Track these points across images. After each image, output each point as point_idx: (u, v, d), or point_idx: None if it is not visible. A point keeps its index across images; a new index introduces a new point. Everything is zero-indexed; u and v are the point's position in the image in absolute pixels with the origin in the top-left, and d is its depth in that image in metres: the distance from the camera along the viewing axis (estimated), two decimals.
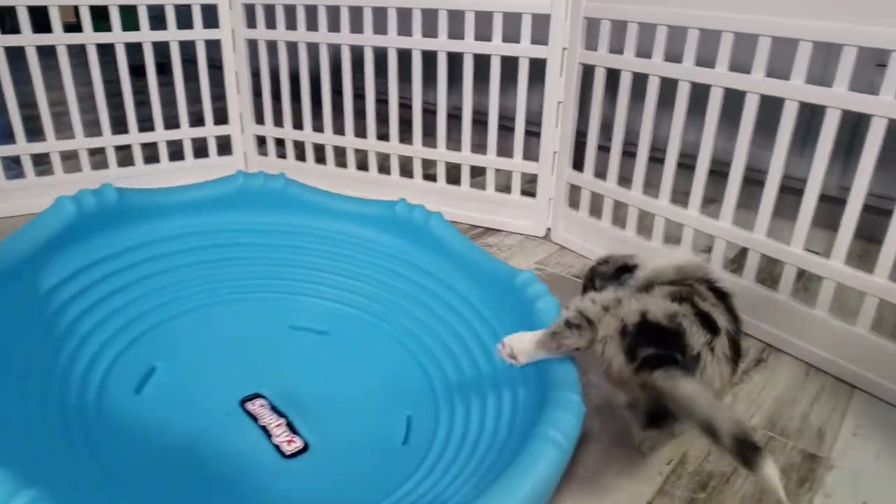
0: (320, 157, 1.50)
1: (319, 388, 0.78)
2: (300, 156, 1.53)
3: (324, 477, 0.65)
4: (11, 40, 1.28)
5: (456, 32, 1.24)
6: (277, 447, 0.67)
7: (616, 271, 0.82)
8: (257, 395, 0.75)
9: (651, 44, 1.02)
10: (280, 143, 1.54)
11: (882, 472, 0.73)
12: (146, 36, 1.40)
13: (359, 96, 1.39)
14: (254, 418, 0.71)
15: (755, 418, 0.81)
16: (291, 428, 0.70)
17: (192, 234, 0.89)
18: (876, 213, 1.28)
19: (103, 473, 0.60)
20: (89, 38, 1.34)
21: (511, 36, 1.20)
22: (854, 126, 1.25)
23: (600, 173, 1.19)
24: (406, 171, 1.42)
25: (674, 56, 1.01)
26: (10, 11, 1.26)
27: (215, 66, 1.49)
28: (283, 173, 0.95)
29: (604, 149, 1.15)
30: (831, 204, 1.33)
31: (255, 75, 1.50)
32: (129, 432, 0.66)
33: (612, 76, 1.11)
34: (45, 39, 1.31)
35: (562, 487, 0.69)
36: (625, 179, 1.14)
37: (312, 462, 0.67)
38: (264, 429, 0.69)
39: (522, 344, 0.66)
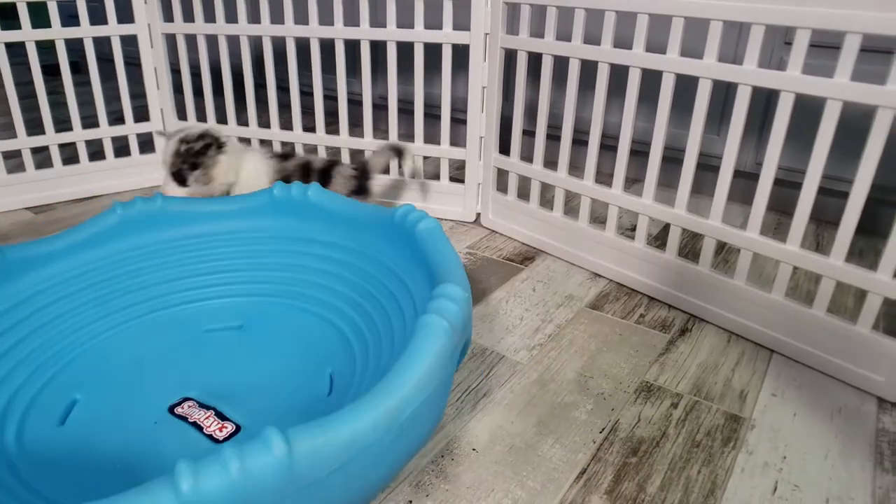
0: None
1: (244, 375, 0.78)
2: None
3: None
4: None
5: (378, 21, 1.23)
6: (210, 436, 0.66)
7: (204, 145, 1.00)
8: (185, 399, 0.73)
9: (571, 27, 1.04)
10: None
11: (798, 427, 0.77)
12: (58, 33, 1.34)
13: (282, 88, 1.37)
14: (184, 419, 0.69)
15: (681, 384, 0.84)
16: (221, 416, 0.69)
17: (83, 274, 0.86)
18: (789, 187, 1.35)
19: (41, 500, 0.58)
20: None
21: (433, 23, 1.21)
22: (767, 104, 1.30)
23: (526, 157, 1.20)
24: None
25: (593, 38, 1.03)
26: None
27: (134, 63, 1.44)
28: (159, 192, 0.95)
29: (529, 133, 1.16)
30: (748, 180, 1.39)
31: (176, 71, 1.46)
32: (59, 461, 0.65)
33: (535, 60, 1.12)
34: None
35: (497, 460, 0.70)
36: (550, 162, 1.16)
37: (246, 439, 0.66)
38: (195, 424, 0.68)
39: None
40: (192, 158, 1.00)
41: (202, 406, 0.71)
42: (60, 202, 1.43)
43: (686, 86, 0.94)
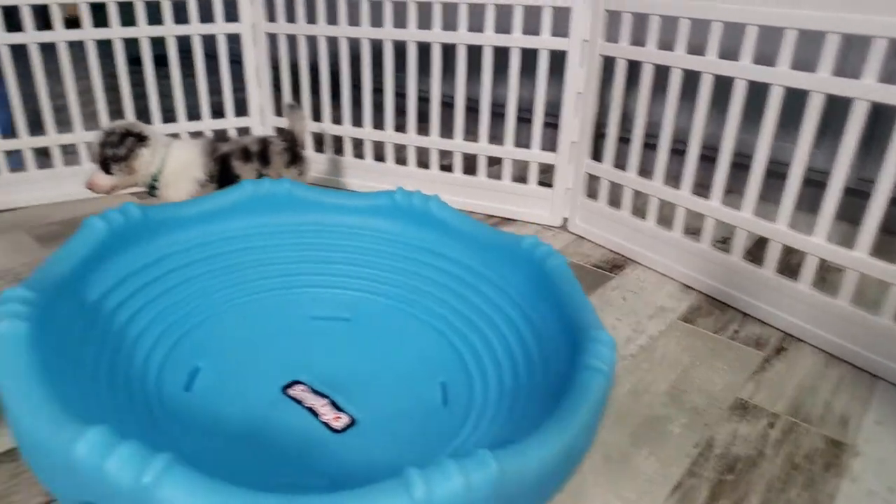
0: (338, 148, 1.52)
1: (352, 368, 0.81)
2: (318, 147, 1.54)
3: (375, 446, 0.69)
4: (15, 38, 1.30)
5: (474, 25, 1.25)
6: (326, 424, 0.70)
7: (121, 138, 1.07)
8: (296, 382, 0.77)
9: (673, 35, 1.03)
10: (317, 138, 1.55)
11: None
12: (169, 30, 1.41)
13: (377, 90, 1.40)
14: (298, 402, 0.73)
15: (778, 404, 0.82)
16: (336, 406, 0.73)
17: (210, 242, 0.91)
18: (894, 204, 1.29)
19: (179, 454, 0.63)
20: (89, 34, 1.35)
21: (529, 28, 1.22)
22: (873, 119, 1.26)
23: (619, 164, 1.20)
24: (422, 162, 1.43)
25: (696, 47, 1.02)
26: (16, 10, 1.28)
27: (232, 60, 1.51)
28: (287, 178, 0.98)
29: (621, 140, 1.16)
30: (849, 196, 1.34)
31: (274, 68, 1.52)
32: (185, 423, 0.69)
33: (633, 67, 1.12)
34: (45, 37, 1.32)
35: (593, 469, 0.71)
36: (643, 171, 1.15)
37: (362, 434, 0.70)
38: (311, 409, 0.72)
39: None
40: (112, 150, 1.06)
41: (315, 392, 0.74)
42: None
43: (790, 96, 0.92)
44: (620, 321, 1.00)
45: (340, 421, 0.71)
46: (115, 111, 1.42)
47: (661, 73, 1.08)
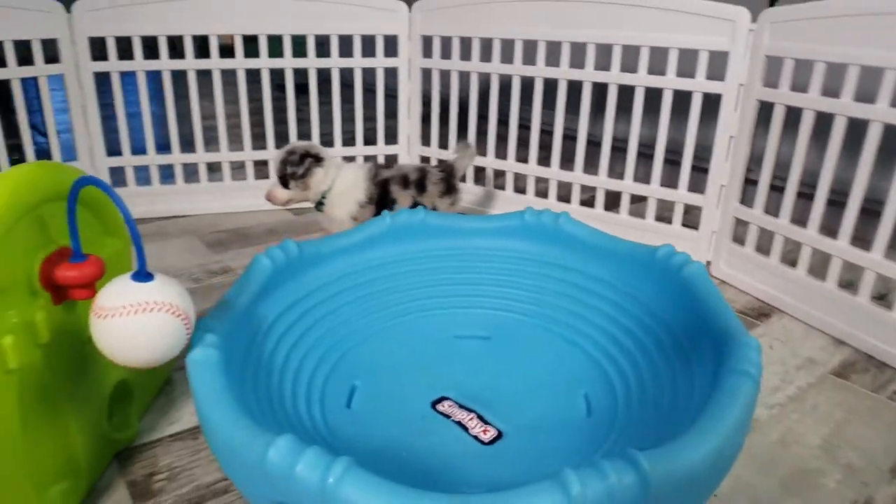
0: (479, 179, 1.58)
1: (495, 384, 0.84)
2: (469, 178, 1.61)
3: (523, 456, 0.72)
4: (175, 65, 1.47)
5: (625, 65, 1.28)
6: (476, 437, 0.73)
7: (301, 157, 1.18)
8: (444, 398, 0.81)
9: (839, 81, 1.01)
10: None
11: None
12: (334, 62, 1.54)
13: (523, 126, 1.46)
14: (447, 416, 0.77)
15: None
16: (482, 420, 0.76)
17: (357, 272, 0.97)
18: None
19: None
20: (241, 63, 1.50)
21: (680, 70, 1.23)
22: None
23: (768, 210, 1.17)
24: (563, 196, 1.46)
25: (861, 94, 0.99)
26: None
27: (370, 90, 1.61)
28: (423, 207, 1.04)
29: (771, 187, 1.14)
30: None
31: (424, 102, 1.61)
32: (351, 440, 0.75)
33: (789, 113, 1.10)
34: (202, 64, 1.48)
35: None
36: (796, 220, 1.12)
37: (509, 445, 0.74)
38: (460, 423, 0.76)
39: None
40: (292, 168, 1.17)
41: (462, 407, 0.79)
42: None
43: None
44: (766, 369, 0.97)
45: (488, 434, 0.74)
46: (281, 133, 1.56)
47: (821, 119, 1.06)
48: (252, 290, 0.77)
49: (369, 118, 1.62)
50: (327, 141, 1.60)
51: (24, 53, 1.35)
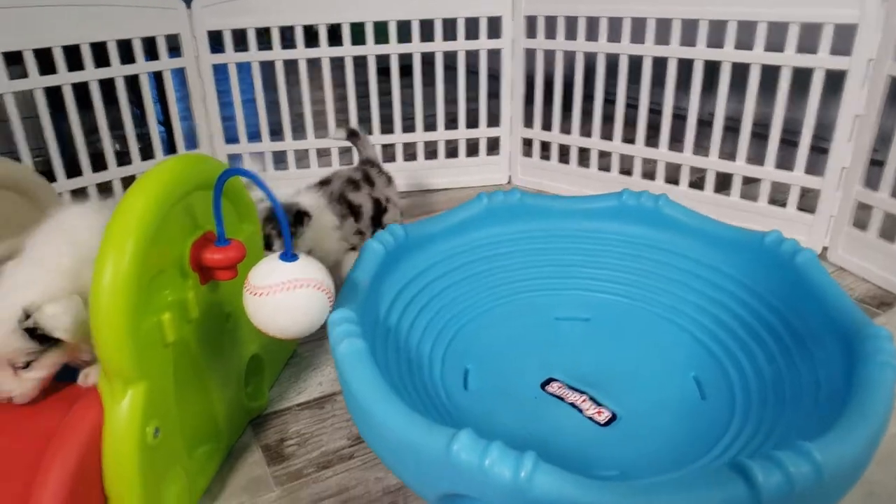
0: (584, 160, 1.57)
1: (600, 365, 0.85)
2: (563, 158, 1.61)
3: (643, 438, 0.74)
4: (287, 54, 1.52)
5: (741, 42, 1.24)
6: (591, 419, 0.75)
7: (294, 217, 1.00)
8: (552, 379, 0.83)
9: None
10: (543, 145, 1.63)
11: None
12: (438, 46, 1.56)
13: (631, 106, 1.43)
14: (559, 398, 0.79)
15: None
16: (595, 401, 0.78)
17: (458, 254, 0.98)
18: None
19: None
20: (349, 51, 1.55)
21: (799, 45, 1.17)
22: None
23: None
24: (671, 178, 1.44)
25: None
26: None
27: (473, 72, 1.62)
28: (517, 188, 1.04)
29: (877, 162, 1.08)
30: None
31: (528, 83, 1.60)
32: (473, 422, 0.76)
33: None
34: (312, 53, 1.53)
35: (858, 501, 0.68)
36: None
37: (626, 427, 0.75)
38: (573, 405, 0.77)
39: None
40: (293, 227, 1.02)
41: (573, 388, 0.80)
42: (417, 191, 1.67)
43: None
44: None
45: (603, 415, 0.76)
46: (386, 117, 1.61)
47: None
48: (369, 275, 0.81)
49: (471, 99, 1.63)
50: (430, 124, 1.63)
51: (126, 49, 1.42)
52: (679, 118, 1.39)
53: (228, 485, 0.76)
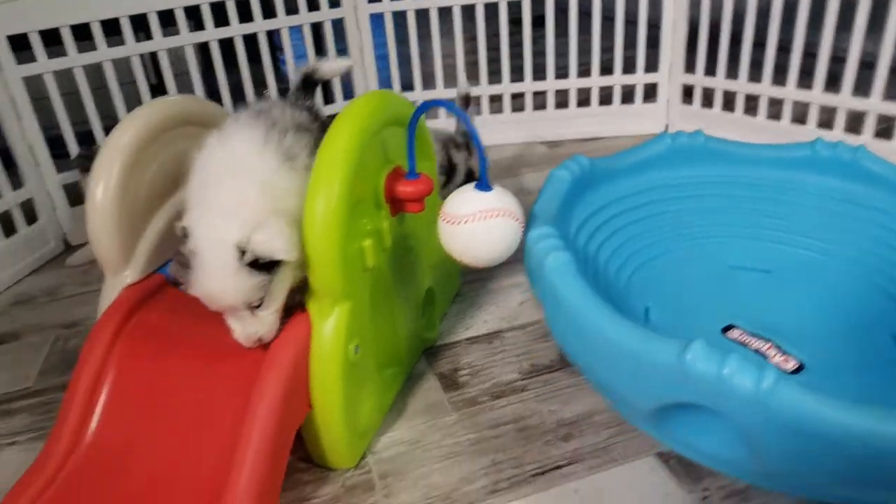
0: (749, 109, 1.48)
1: (782, 316, 0.82)
2: (728, 106, 1.52)
3: (836, 389, 0.69)
4: (441, 2, 1.51)
5: None
6: (778, 366, 0.73)
7: None
8: (732, 326, 0.81)
9: None
10: (706, 93, 1.55)
11: None
12: None
13: (809, 54, 1.33)
14: (742, 344, 0.77)
15: None
16: (780, 349, 0.75)
17: (640, 192, 0.97)
18: None
19: None
20: None
21: None
22: None
23: None
24: (852, 128, 1.33)
25: None
26: None
27: (609, 18, 1.55)
28: (701, 130, 1.00)
29: None
30: None
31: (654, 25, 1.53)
32: None
33: None
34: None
35: None
36: None
37: (813, 379, 0.72)
38: (757, 352, 0.76)
39: None
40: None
41: (756, 336, 0.78)
42: (567, 140, 1.65)
43: None
44: None
45: (790, 363, 0.73)
46: (516, 67, 1.59)
47: None
48: (556, 202, 0.81)
49: (606, 49, 1.58)
50: (585, 70, 1.59)
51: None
52: (867, 65, 1.28)
53: (409, 406, 0.81)
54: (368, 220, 0.71)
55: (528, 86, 1.60)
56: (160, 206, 0.82)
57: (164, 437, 0.67)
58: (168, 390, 0.69)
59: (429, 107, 0.70)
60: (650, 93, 1.62)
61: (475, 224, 0.66)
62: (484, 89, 1.61)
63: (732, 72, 1.48)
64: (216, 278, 0.62)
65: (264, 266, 0.63)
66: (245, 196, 0.64)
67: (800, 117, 1.40)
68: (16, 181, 1.22)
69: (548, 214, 0.77)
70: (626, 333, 0.56)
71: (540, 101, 1.64)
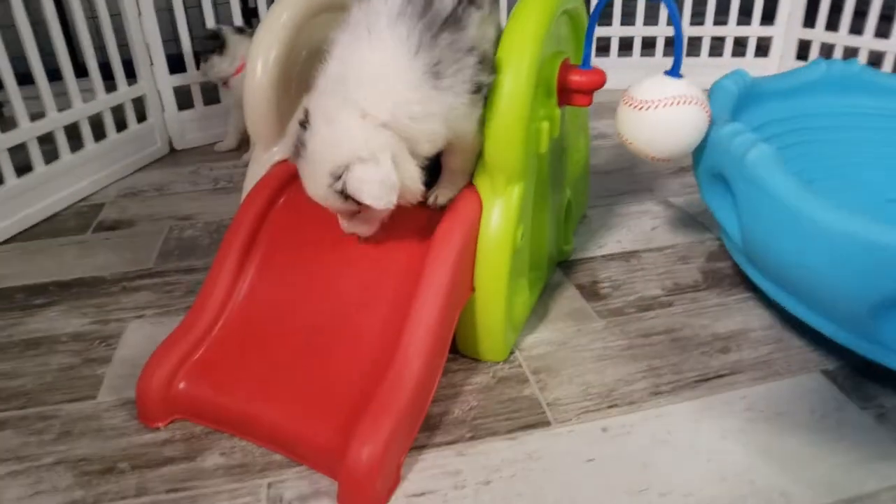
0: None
1: None
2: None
3: None
4: None
5: None
6: None
7: None
8: None
9: None
10: (823, 49, 1.49)
11: None
12: None
13: None
14: None
15: None
16: None
17: (794, 117, 0.94)
18: None
19: None
20: None
21: None
22: None
23: None
24: None
25: None
26: None
27: None
28: (855, 60, 0.97)
29: None
30: None
31: None
32: None
33: None
34: None
35: None
36: None
37: None
38: None
39: None
40: None
41: None
42: None
43: None
44: None
45: None
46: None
47: None
48: (727, 109, 0.77)
49: None
50: (699, 21, 1.53)
51: None
52: None
53: (551, 311, 0.79)
54: (542, 106, 0.69)
55: (639, 30, 1.55)
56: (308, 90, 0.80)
57: (320, 301, 0.65)
58: (323, 261, 0.68)
59: None
60: (762, 47, 1.56)
61: (667, 110, 0.62)
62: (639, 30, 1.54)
63: (856, 26, 1.42)
64: (313, 185, 0.58)
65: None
66: (368, 111, 0.55)
67: None
68: (131, 80, 1.21)
69: (723, 118, 0.73)
70: (859, 225, 0.53)
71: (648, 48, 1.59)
